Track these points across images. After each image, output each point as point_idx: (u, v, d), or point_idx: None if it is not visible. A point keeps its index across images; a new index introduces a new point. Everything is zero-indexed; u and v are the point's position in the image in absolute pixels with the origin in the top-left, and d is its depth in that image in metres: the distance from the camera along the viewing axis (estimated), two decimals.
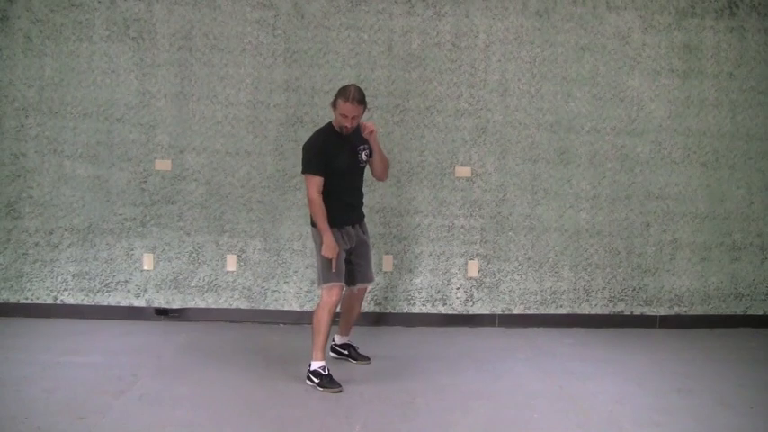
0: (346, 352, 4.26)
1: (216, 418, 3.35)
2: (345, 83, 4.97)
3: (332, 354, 4.24)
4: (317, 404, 3.55)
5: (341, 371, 3.93)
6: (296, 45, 5.03)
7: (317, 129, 4.06)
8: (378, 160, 4.01)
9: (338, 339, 4.30)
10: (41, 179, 4.99)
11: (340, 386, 3.72)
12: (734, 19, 5.17)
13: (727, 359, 4.43)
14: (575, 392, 3.78)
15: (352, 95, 3.77)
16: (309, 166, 3.83)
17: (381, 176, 4.12)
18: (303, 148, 3.91)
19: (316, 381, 3.74)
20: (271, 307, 5.05)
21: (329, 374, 3.75)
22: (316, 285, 4.08)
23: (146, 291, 5.04)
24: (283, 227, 5.04)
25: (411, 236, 5.10)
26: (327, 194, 3.85)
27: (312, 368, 3.78)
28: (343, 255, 3.92)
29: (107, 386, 3.68)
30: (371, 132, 3.87)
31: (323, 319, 3.79)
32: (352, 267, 4.01)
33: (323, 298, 3.84)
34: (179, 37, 5.00)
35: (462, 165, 5.10)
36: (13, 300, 5.00)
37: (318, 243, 3.89)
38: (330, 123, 3.96)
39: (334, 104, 3.85)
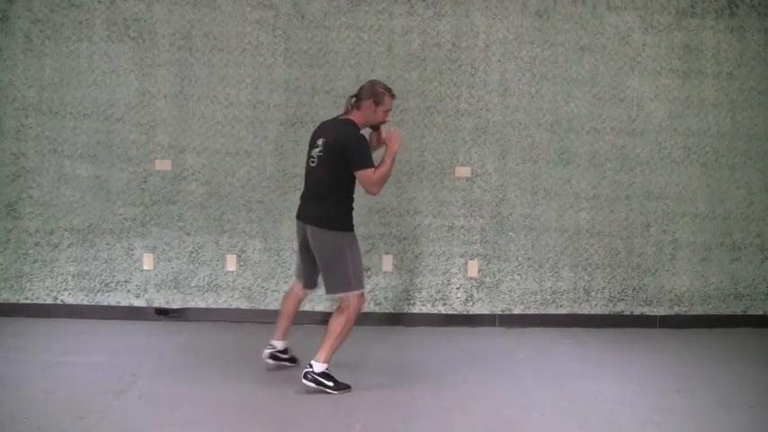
0: (287, 356, 4.05)
1: (216, 418, 3.35)
2: (345, 83, 4.99)
3: (270, 361, 3.99)
4: (317, 404, 3.54)
5: (338, 371, 3.93)
6: (296, 45, 5.03)
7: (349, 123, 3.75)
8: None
9: (281, 345, 4.02)
10: (41, 179, 4.99)
11: (349, 386, 3.70)
12: (734, 19, 5.17)
13: (727, 359, 4.43)
14: (575, 392, 3.78)
15: (392, 89, 3.78)
16: (370, 160, 3.62)
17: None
18: (352, 143, 3.63)
19: (330, 384, 3.64)
20: (271, 307, 5.04)
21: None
22: (335, 292, 3.69)
23: (146, 291, 5.04)
24: (283, 227, 5.04)
25: (411, 236, 5.09)
26: (349, 197, 3.72)
27: (320, 370, 3.63)
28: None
29: (107, 386, 3.67)
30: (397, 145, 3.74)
31: (348, 329, 3.64)
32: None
33: (353, 307, 3.63)
34: (179, 37, 5.00)
35: (462, 165, 5.10)
36: (13, 300, 5.01)
37: (341, 247, 3.65)
38: (352, 120, 3.73)
39: (377, 101, 3.70)
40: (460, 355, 4.41)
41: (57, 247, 5.01)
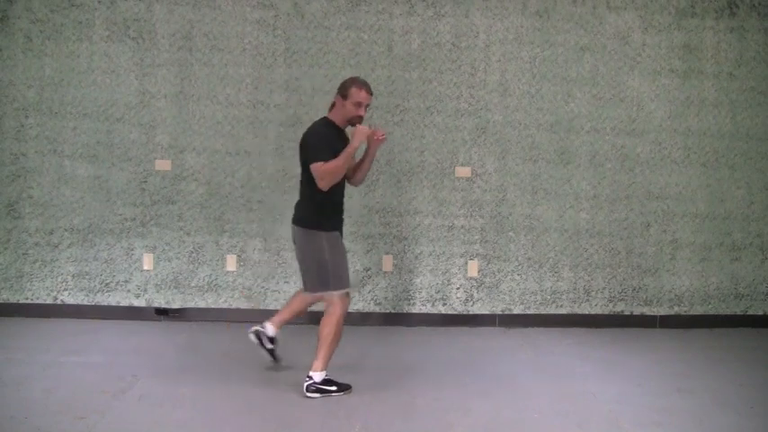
0: (273, 346, 3.99)
1: (216, 418, 3.35)
2: None
3: (252, 336, 3.95)
4: (317, 404, 3.55)
5: (338, 371, 3.93)
6: (296, 45, 5.03)
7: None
8: (366, 167, 3.84)
9: (272, 331, 3.97)
10: (41, 179, 4.99)
11: (350, 385, 3.70)
12: (734, 19, 5.17)
13: (727, 359, 4.43)
14: (575, 392, 3.78)
15: (365, 83, 3.67)
16: (320, 153, 3.55)
17: (358, 183, 3.93)
18: (307, 138, 3.64)
19: (333, 389, 3.63)
20: (271, 307, 5.04)
21: None
22: (313, 292, 3.68)
23: (146, 291, 5.04)
24: (283, 227, 5.03)
25: (411, 236, 5.10)
26: (325, 196, 3.64)
27: (320, 379, 3.62)
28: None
29: (107, 386, 3.68)
30: (382, 139, 3.69)
31: (339, 331, 3.61)
32: None
33: (338, 307, 3.60)
34: (179, 37, 5.00)
35: (462, 165, 5.10)
36: (13, 300, 5.01)
37: (320, 247, 3.63)
38: (326, 118, 3.74)
39: (344, 95, 3.64)
40: (460, 355, 4.41)
41: (57, 247, 5.01)
